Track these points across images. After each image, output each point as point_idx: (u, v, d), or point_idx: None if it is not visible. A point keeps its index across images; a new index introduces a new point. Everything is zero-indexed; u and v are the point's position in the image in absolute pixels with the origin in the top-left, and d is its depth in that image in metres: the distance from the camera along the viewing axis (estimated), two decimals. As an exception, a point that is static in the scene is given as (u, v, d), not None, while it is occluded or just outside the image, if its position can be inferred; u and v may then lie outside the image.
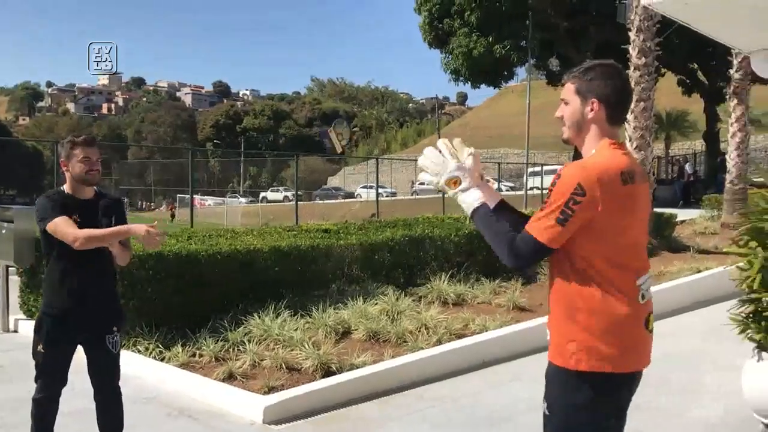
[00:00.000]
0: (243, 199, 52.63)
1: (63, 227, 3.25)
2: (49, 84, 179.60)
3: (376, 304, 6.68)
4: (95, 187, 3.50)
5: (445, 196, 2.23)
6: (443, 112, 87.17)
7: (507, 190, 33.28)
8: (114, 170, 78.24)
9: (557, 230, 2.02)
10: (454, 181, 2.19)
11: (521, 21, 25.25)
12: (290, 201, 41.18)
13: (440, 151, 2.24)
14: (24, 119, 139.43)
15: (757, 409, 4.18)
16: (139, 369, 5.37)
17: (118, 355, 3.51)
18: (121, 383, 3.56)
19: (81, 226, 3.27)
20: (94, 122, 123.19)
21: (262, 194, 56.16)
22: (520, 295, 7.60)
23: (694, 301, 8.44)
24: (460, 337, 6.11)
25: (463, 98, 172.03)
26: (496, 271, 8.62)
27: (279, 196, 53.09)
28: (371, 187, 51.14)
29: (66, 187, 3.45)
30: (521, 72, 36.04)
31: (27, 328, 6.66)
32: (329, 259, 7.18)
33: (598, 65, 2.18)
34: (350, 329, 6.08)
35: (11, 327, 6.81)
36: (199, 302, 6.07)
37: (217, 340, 5.63)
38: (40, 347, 3.36)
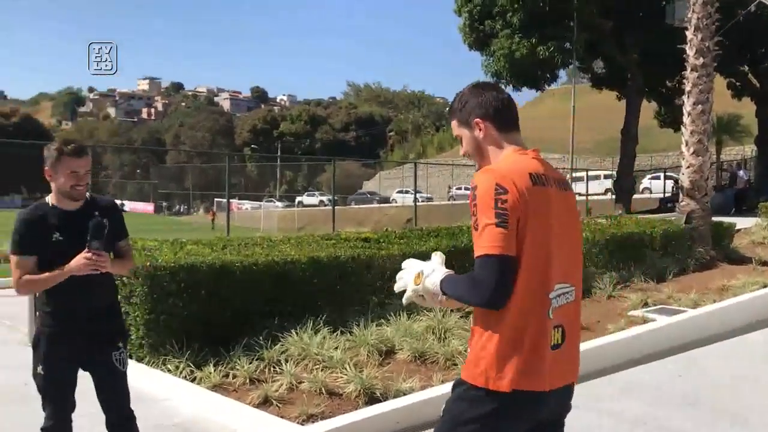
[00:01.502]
0: (279, 204, 52.82)
1: (12, 267, 3.02)
2: (91, 89, 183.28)
3: (421, 320, 6.23)
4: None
5: (420, 291, 2.12)
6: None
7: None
8: (152, 174, 79.36)
9: (503, 234, 1.88)
10: (418, 276, 2.12)
11: (565, 22, 24.58)
12: (326, 205, 41.03)
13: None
14: (66, 124, 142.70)
15: None
16: (169, 390, 5.01)
17: (125, 373, 3.18)
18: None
19: (64, 243, 2.96)
20: (134, 127, 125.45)
21: (298, 198, 56.22)
22: (574, 311, 7.07)
23: (761, 318, 7.79)
24: (513, 358, 5.60)
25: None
26: (547, 283, 8.14)
27: (314, 200, 53.01)
28: (407, 192, 50.81)
29: (51, 197, 3.08)
30: (561, 74, 35.21)
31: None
32: (370, 271, 6.74)
33: (466, 89, 2.17)
34: (394, 349, 5.63)
35: (38, 340, 6.50)
36: (233, 317, 5.69)
37: (252, 359, 5.23)
38: (39, 368, 3.05)
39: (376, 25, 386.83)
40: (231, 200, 23.66)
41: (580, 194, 30.39)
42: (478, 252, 1.92)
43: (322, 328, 5.67)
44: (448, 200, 47.84)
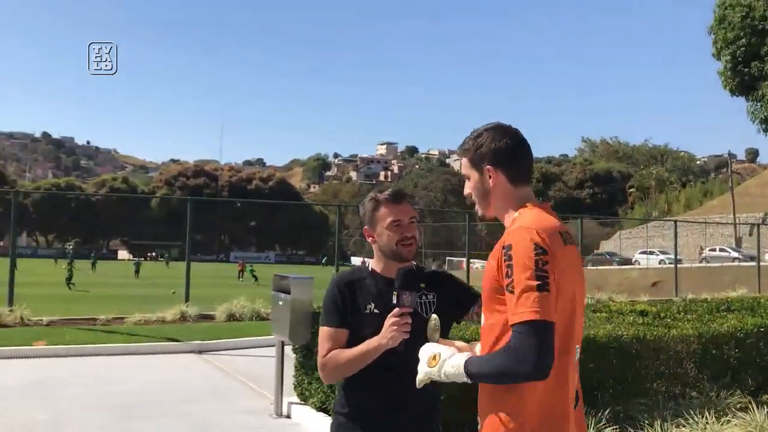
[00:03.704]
0: (511, 263, 51.63)
1: (320, 340, 2.34)
2: (336, 155, 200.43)
3: (730, 422, 4.86)
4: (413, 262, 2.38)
5: (434, 375, 1.82)
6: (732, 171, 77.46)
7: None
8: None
9: (545, 297, 1.66)
10: (434, 357, 1.86)
11: None
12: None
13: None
14: (314, 187, 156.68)
15: None
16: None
17: None
18: None
19: (379, 318, 2.22)
20: (373, 188, 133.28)
21: (530, 258, 54.71)
22: None
23: None
24: None
25: (753, 155, 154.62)
26: None
27: (548, 260, 51.05)
28: (651, 253, 46.89)
29: (373, 262, 2.41)
30: None
31: (301, 414, 5.95)
32: (659, 355, 5.50)
33: (485, 130, 1.99)
34: (706, 464, 4.35)
35: (284, 411, 6.09)
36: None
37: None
38: None
39: (606, 77, 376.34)
40: (462, 259, 23.19)
41: None
42: (517, 318, 1.68)
43: (605, 427, 4.58)
44: (700, 262, 43.25)
